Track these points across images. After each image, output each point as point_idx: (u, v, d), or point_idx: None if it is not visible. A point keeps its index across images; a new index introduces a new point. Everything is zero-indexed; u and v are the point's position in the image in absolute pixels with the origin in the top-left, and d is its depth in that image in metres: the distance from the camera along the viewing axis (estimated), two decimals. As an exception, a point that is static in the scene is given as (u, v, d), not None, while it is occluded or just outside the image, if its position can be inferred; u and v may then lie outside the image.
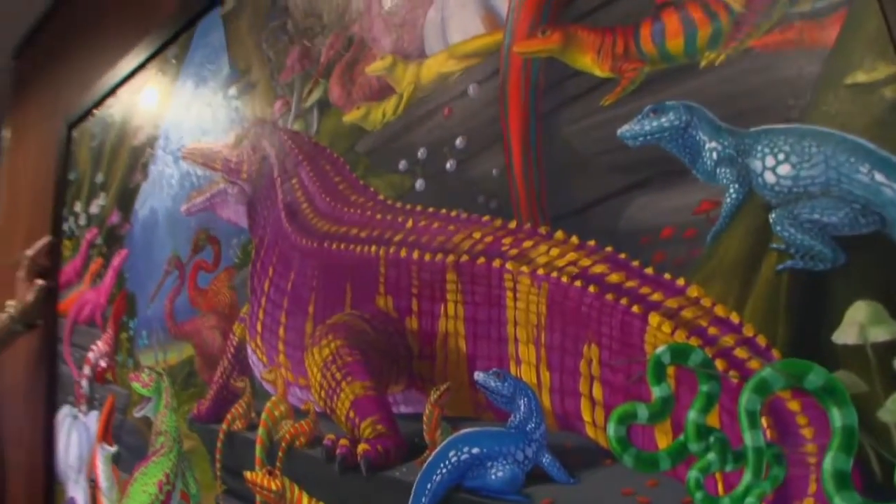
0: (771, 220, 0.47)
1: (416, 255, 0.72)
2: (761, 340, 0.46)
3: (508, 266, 0.63)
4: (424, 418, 0.69)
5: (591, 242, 0.57)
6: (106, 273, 1.45)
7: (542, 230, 0.61)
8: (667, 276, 0.52)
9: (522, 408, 0.60)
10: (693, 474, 0.48)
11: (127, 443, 1.29)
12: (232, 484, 0.99)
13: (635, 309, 0.53)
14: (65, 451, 1.52)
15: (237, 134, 1.09)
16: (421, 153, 0.74)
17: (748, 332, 0.47)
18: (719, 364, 0.48)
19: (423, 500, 0.66)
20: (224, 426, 1.00)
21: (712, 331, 0.49)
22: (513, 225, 0.63)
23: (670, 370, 0.50)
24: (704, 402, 0.48)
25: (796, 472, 0.44)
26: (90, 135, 1.62)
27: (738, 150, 0.49)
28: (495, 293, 0.64)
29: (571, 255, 0.58)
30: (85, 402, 1.46)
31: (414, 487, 0.67)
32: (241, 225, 1.06)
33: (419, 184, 0.74)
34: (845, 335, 0.43)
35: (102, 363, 1.41)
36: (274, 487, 0.89)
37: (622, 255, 0.55)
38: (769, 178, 0.47)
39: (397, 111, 0.78)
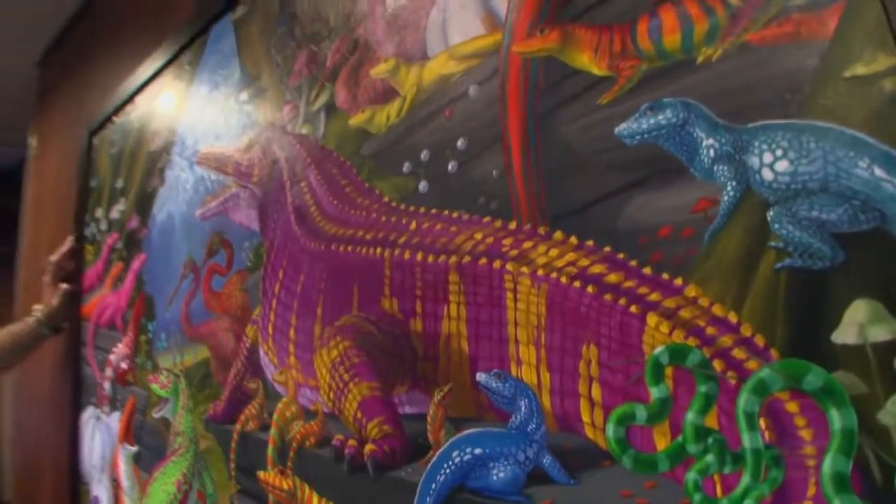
0: (769, 218, 0.46)
1: (419, 256, 0.73)
2: (759, 340, 0.46)
3: (509, 267, 0.62)
4: (428, 419, 0.69)
5: (590, 242, 0.57)
6: (126, 277, 1.47)
7: (542, 230, 0.60)
8: (665, 275, 0.51)
9: (523, 409, 0.60)
10: (691, 476, 0.47)
11: (147, 443, 1.32)
12: (246, 483, 1.00)
13: (633, 309, 0.52)
14: (89, 452, 1.55)
15: (248, 138, 1.10)
16: (424, 155, 0.75)
17: (746, 331, 0.46)
18: (717, 364, 0.47)
19: (428, 499, 0.67)
20: (238, 427, 1.02)
21: (710, 331, 0.48)
22: (513, 226, 0.63)
23: (668, 371, 0.50)
24: (703, 403, 0.48)
25: (795, 474, 0.44)
26: (110, 141, 1.65)
27: (736, 147, 0.48)
28: (496, 294, 0.64)
29: (570, 256, 0.58)
30: (107, 403, 1.49)
31: (419, 487, 0.67)
32: (252, 228, 1.08)
33: (422, 185, 0.74)
34: (845, 335, 0.42)
35: (123, 365, 1.43)
36: (286, 487, 0.90)
37: (620, 255, 0.54)
38: (767, 174, 0.46)
39: (401, 114, 0.78)
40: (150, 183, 1.43)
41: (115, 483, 1.40)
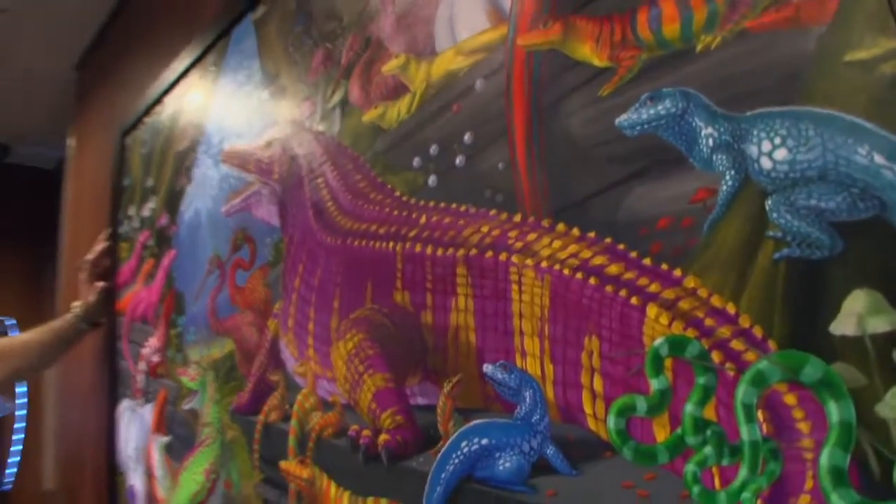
0: (767, 207, 0.45)
1: (429, 250, 0.73)
2: (758, 331, 0.45)
3: (514, 259, 0.63)
4: (438, 410, 0.70)
5: (592, 234, 0.56)
6: (157, 273, 1.52)
7: (545, 223, 0.61)
8: (664, 266, 0.51)
9: (528, 399, 0.60)
10: (690, 468, 0.47)
11: (178, 433, 1.36)
12: (269, 472, 1.02)
13: (634, 300, 0.52)
14: (125, 443, 1.60)
15: (269, 136, 1.12)
16: (433, 150, 0.75)
17: (744, 322, 0.46)
18: (715, 356, 0.47)
19: (438, 489, 0.68)
20: (261, 417, 1.04)
21: (709, 322, 0.48)
22: (518, 218, 0.63)
23: (668, 362, 0.49)
24: (701, 395, 0.47)
25: (793, 467, 0.43)
26: (141, 141, 1.70)
27: (735, 136, 0.48)
28: (501, 286, 0.64)
29: (573, 248, 0.58)
30: (141, 395, 1.54)
31: (429, 477, 0.68)
32: (273, 224, 1.10)
33: (432, 180, 0.75)
34: (843, 326, 0.41)
35: (155, 358, 1.48)
36: (305, 476, 0.92)
37: (621, 246, 0.54)
38: (765, 163, 0.46)
39: (411, 109, 0.79)
40: (178, 181, 1.47)
41: (149, 472, 1.45)
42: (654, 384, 0.50)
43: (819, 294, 0.43)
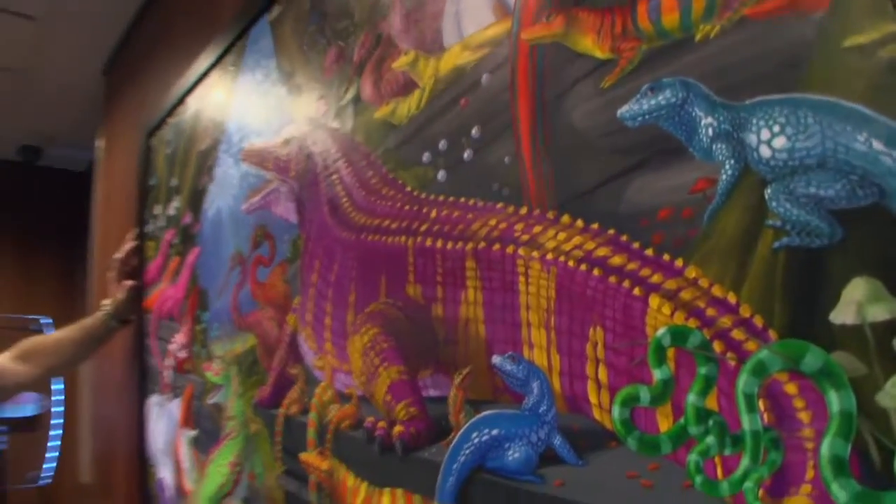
0: (766, 196, 0.45)
1: (439, 244, 0.74)
2: (758, 321, 0.45)
3: (520, 252, 0.63)
4: (449, 401, 0.71)
5: (595, 225, 0.57)
6: (182, 270, 1.55)
7: (550, 215, 0.61)
8: (666, 256, 0.51)
9: (535, 390, 0.61)
10: (693, 457, 0.47)
11: (204, 427, 1.39)
12: (290, 464, 1.04)
13: (636, 291, 0.52)
14: (154, 436, 1.65)
15: (286, 134, 1.14)
16: (442, 144, 0.76)
17: (745, 312, 0.46)
18: (717, 346, 0.47)
19: (450, 479, 0.69)
20: (282, 410, 1.06)
21: (710, 312, 0.48)
22: (524, 211, 0.64)
23: (670, 352, 0.50)
24: (703, 385, 0.47)
25: (794, 457, 0.43)
26: (165, 142, 1.74)
27: (734, 125, 0.47)
28: (509, 278, 0.65)
29: (577, 239, 0.58)
30: (169, 390, 1.58)
31: (441, 467, 0.69)
32: (291, 221, 1.12)
33: (441, 174, 0.76)
34: (843, 314, 0.41)
35: (182, 354, 1.51)
36: (324, 467, 0.94)
37: (623, 237, 0.54)
38: (764, 151, 0.46)
39: (420, 105, 0.80)
40: (201, 180, 1.50)
41: (178, 465, 1.49)
42: (657, 374, 0.50)
43: (819, 283, 0.43)
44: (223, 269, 1.35)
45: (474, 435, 0.67)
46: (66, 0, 2.13)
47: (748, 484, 0.44)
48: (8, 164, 3.51)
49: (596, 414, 0.56)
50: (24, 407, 3.31)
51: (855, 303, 0.41)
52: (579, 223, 0.58)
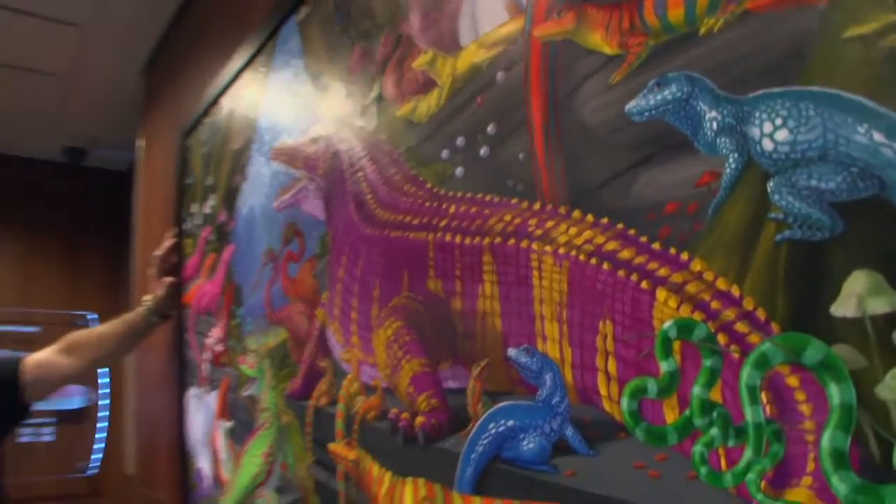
0: (769, 189, 0.46)
1: (458, 239, 0.76)
2: (761, 314, 0.46)
3: (534, 246, 0.64)
4: (468, 392, 0.73)
5: (605, 220, 0.58)
6: (218, 267, 1.60)
7: (562, 210, 0.62)
8: (672, 250, 0.51)
9: (548, 382, 0.62)
10: (698, 449, 0.48)
11: (240, 418, 1.44)
12: (320, 454, 1.08)
13: (644, 285, 0.53)
14: (193, 428, 1.71)
15: (314, 132, 1.17)
16: (460, 141, 0.77)
17: (748, 305, 0.46)
18: (721, 338, 0.48)
19: (469, 469, 0.70)
20: (312, 402, 1.10)
21: (715, 305, 0.48)
22: (537, 206, 0.65)
23: (676, 345, 0.50)
24: (707, 377, 0.48)
25: (795, 449, 0.43)
26: (201, 142, 1.79)
27: (738, 118, 0.48)
28: (523, 273, 0.66)
29: (588, 234, 0.59)
30: (207, 383, 1.64)
31: (460, 457, 0.71)
32: (320, 218, 1.15)
33: (459, 171, 0.77)
34: (843, 307, 0.41)
35: (218, 348, 1.57)
36: (352, 457, 0.96)
37: (632, 232, 0.55)
38: (767, 145, 0.46)
39: (440, 103, 0.82)
40: (235, 179, 1.55)
41: (215, 455, 1.54)
42: (664, 366, 0.51)
43: (820, 275, 0.43)
44: (256, 266, 1.39)
45: (491, 426, 0.68)
46: (108, 5, 2.21)
47: (751, 475, 0.45)
48: (54, 165, 3.65)
49: (606, 405, 0.57)
50: (72, 399, 3.46)
51: (855, 295, 0.41)
52: (590, 218, 0.59)
